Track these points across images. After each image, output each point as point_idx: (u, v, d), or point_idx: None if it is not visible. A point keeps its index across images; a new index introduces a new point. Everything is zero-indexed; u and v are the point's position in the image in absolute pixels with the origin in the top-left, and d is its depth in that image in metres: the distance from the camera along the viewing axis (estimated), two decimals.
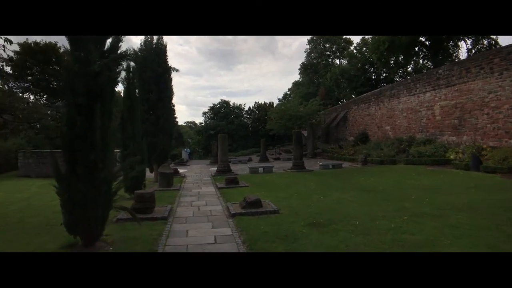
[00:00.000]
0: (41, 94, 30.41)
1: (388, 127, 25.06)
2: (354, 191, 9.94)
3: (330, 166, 17.69)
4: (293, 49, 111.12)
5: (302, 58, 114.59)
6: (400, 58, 33.48)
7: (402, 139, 21.41)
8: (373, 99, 27.36)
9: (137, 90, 13.45)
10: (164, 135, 13.47)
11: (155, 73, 13.19)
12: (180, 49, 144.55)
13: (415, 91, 21.54)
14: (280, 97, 61.15)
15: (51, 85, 30.21)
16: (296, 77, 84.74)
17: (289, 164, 20.69)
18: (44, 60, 27.38)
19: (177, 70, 17.19)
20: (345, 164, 18.73)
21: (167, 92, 13.73)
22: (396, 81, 33.06)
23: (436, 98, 19.38)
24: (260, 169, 16.78)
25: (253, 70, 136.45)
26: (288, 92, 60.63)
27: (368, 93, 29.32)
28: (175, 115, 49.09)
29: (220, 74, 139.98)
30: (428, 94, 20.19)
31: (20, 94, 29.00)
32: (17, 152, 18.14)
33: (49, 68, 28.60)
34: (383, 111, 25.78)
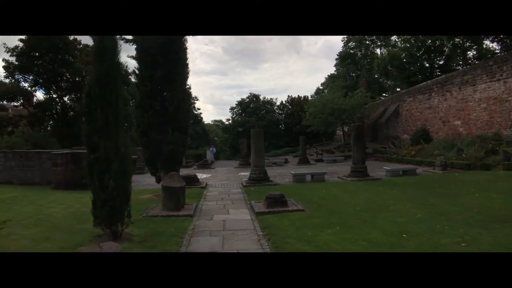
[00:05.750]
0: (54, 87, 27.39)
1: (458, 122, 19.94)
2: (499, 224, 5.32)
3: (401, 172, 12.99)
4: (317, 47, 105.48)
5: (327, 57, 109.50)
6: (463, 40, 27.83)
7: (486, 136, 16.39)
8: (435, 89, 22.25)
9: (136, 66, 9.47)
10: (175, 130, 9.27)
11: (161, 39, 8.96)
12: (205, 48, 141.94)
13: (501, 75, 16.38)
14: (313, 93, 56.09)
15: (64, 77, 27.18)
16: (323, 75, 79.20)
17: (338, 168, 16.28)
18: (50, 48, 24.08)
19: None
20: (418, 169, 13.93)
21: (180, 67, 9.35)
22: (454, 70, 27.44)
23: None
24: (308, 177, 12.30)
25: (279, 69, 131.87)
26: (321, 87, 55.50)
27: (429, 81, 24.10)
28: (199, 110, 45.21)
29: (245, 73, 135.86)
30: None
31: (28, 88, 26.08)
32: None
33: (57, 57, 25.42)
34: (450, 103, 20.64)
